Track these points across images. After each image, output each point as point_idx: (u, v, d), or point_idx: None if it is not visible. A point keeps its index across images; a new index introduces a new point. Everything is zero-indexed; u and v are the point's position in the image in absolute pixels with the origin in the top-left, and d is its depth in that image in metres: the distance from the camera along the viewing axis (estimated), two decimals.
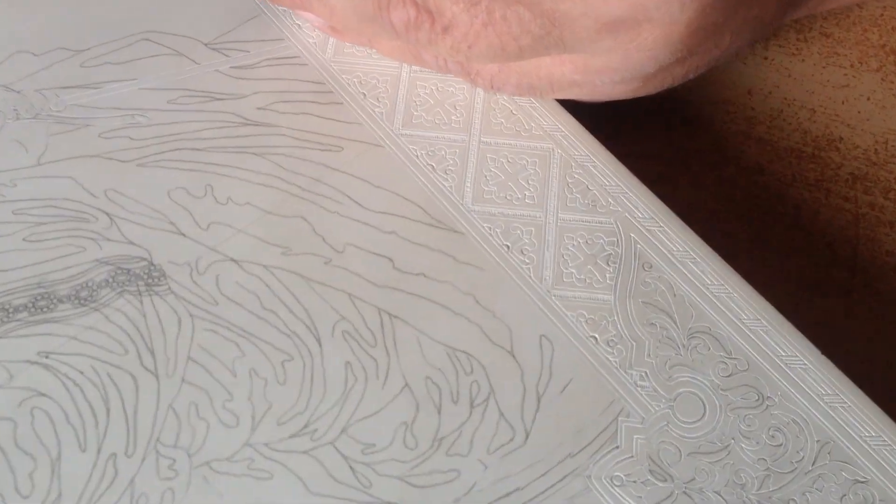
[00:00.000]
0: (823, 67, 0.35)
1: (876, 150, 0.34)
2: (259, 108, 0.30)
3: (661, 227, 0.28)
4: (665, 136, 0.34)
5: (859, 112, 0.35)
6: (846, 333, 0.31)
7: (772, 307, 0.27)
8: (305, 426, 0.25)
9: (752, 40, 0.29)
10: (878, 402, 0.26)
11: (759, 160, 0.34)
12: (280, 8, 0.32)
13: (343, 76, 0.31)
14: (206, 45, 0.31)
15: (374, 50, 0.31)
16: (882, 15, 0.37)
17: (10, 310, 0.27)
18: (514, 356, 0.26)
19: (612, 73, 0.27)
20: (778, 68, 0.35)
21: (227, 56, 0.31)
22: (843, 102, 0.35)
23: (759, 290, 0.29)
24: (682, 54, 0.27)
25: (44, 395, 0.26)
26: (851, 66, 0.35)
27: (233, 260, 0.28)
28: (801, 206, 0.33)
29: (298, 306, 0.27)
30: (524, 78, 0.28)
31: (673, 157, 0.34)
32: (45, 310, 0.27)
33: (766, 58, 0.36)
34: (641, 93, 0.29)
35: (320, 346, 0.27)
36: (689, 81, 0.34)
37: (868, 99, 0.35)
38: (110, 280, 0.27)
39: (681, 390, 0.26)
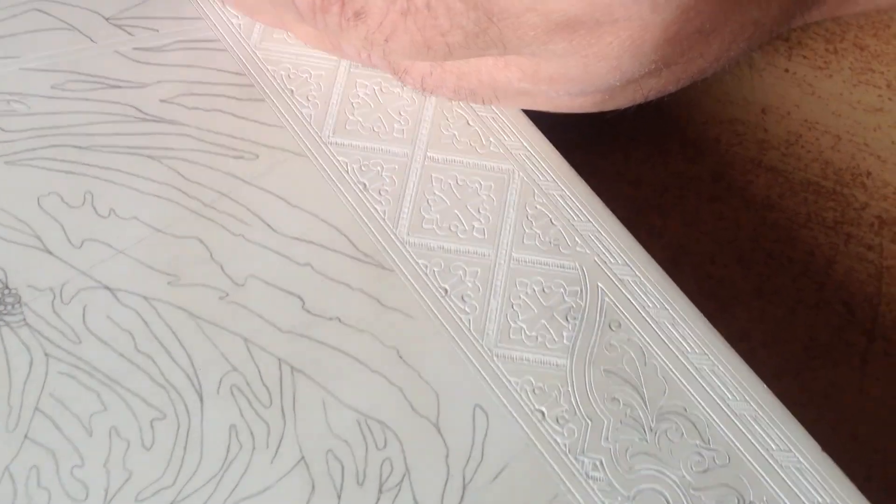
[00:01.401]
0: (854, 86, 0.30)
1: None
2: (162, 101, 0.25)
3: (636, 276, 0.23)
4: (658, 160, 0.29)
5: (893, 142, 0.29)
6: (857, 414, 0.25)
7: (765, 387, 0.22)
8: None
9: (748, 49, 0.23)
10: None
11: (768, 194, 0.28)
12: None
13: (269, 67, 0.26)
14: (107, 19, 0.26)
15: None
16: None
17: None
18: (439, 430, 0.21)
19: (567, 84, 0.22)
20: (800, 83, 0.30)
21: (130, 35, 0.26)
22: (874, 129, 0.29)
23: (757, 351, 0.23)
24: (654, 65, 0.21)
25: None
26: (888, 85, 0.30)
27: (107, 288, 0.22)
28: (815, 252, 0.27)
29: (181, 351, 0.22)
30: (463, 81, 0.23)
31: (665, 185, 0.28)
32: None
33: (786, 70, 0.30)
34: (609, 106, 0.24)
35: (201, 402, 0.21)
36: (689, 94, 0.29)
37: None
38: None
39: (643, 486, 0.21)
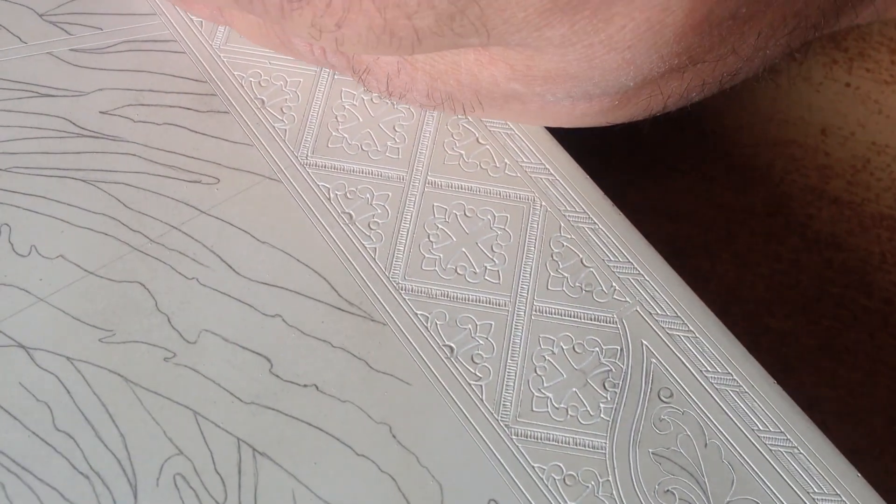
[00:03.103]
0: None
1: None
2: (103, 113, 0.20)
3: (690, 331, 0.18)
4: (702, 190, 0.24)
5: None
6: None
7: (858, 475, 0.17)
8: None
9: (787, 48, 0.19)
10: None
11: (834, 230, 0.24)
12: None
13: (235, 73, 0.21)
14: (40, 16, 0.21)
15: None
16: None
17: None
18: None
19: (567, 84, 0.17)
20: (864, 100, 0.25)
21: (68, 34, 0.21)
22: None
23: (829, 424, 0.19)
24: (677, 60, 0.17)
25: None
26: None
27: (21, 346, 0.18)
28: (894, 299, 0.23)
29: (111, 428, 0.17)
30: (438, 83, 0.18)
31: (712, 220, 0.24)
32: None
33: (847, 84, 0.26)
34: (619, 117, 0.19)
35: (135, 497, 0.17)
36: (734, 112, 0.25)
37: None
38: None
39: None
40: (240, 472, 0.17)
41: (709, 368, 0.18)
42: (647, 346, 0.18)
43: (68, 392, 0.17)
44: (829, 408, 0.21)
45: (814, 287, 0.23)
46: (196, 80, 0.21)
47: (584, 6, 0.15)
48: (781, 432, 0.17)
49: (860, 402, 0.22)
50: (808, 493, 0.17)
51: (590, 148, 0.21)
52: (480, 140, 0.20)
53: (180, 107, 0.21)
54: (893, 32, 0.26)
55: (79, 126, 0.20)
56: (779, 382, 0.18)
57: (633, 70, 0.17)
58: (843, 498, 0.17)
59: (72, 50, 0.21)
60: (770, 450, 0.17)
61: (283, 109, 0.21)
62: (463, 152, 0.20)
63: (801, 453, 0.17)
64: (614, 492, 0.17)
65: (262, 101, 0.21)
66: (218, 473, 0.17)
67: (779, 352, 0.22)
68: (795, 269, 0.23)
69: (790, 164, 0.25)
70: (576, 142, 0.21)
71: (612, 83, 0.17)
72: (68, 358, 0.18)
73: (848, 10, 0.21)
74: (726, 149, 0.25)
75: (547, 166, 0.20)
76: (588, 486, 0.17)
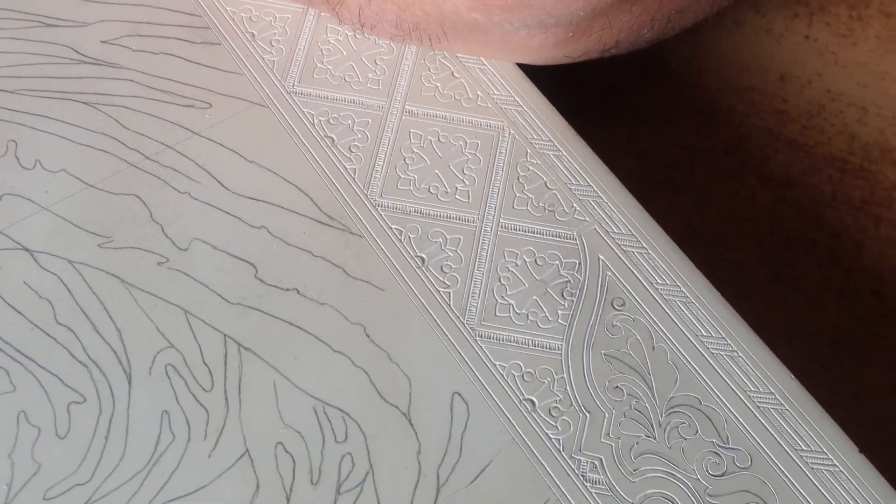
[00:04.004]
0: (881, 55, 0.27)
1: None
2: (104, 42, 0.22)
3: (643, 248, 0.20)
4: (667, 131, 0.26)
5: None
6: (892, 418, 0.22)
7: (792, 377, 0.19)
8: (86, 503, 0.17)
9: None
10: None
11: (789, 170, 0.25)
12: None
13: (228, 8, 0.23)
14: None
15: None
16: None
17: None
18: (410, 421, 0.18)
19: (523, 12, 0.19)
20: (822, 51, 0.27)
21: None
22: None
23: (778, 345, 0.20)
24: None
25: None
26: None
27: (26, 249, 0.19)
28: (842, 234, 0.24)
29: (108, 324, 0.19)
30: (406, 13, 0.20)
31: (674, 159, 0.25)
32: None
33: (807, 37, 0.27)
34: (574, 52, 0.21)
35: (129, 384, 0.18)
36: (699, 58, 0.26)
37: None
38: None
39: (649, 491, 0.18)
40: (225, 364, 0.19)
41: (658, 281, 0.20)
42: (603, 260, 0.20)
43: (69, 290, 0.19)
44: (777, 331, 0.23)
45: (768, 221, 0.25)
46: (190, 14, 0.23)
47: None
48: (723, 338, 0.19)
49: (806, 326, 0.23)
50: (744, 391, 0.19)
51: (563, 90, 0.23)
52: (455, 74, 0.22)
53: (176, 38, 0.22)
54: None
55: (81, 53, 0.22)
56: (733, 307, 0.20)
57: (579, 0, 0.18)
58: (777, 396, 0.18)
59: None
60: (712, 353, 0.19)
61: (272, 42, 0.22)
62: (439, 84, 0.22)
63: (739, 356, 0.19)
64: (568, 387, 0.19)
65: (253, 35, 0.22)
66: (206, 365, 0.18)
67: (733, 279, 0.24)
68: (752, 205, 0.25)
69: (750, 109, 0.26)
70: (550, 84, 0.23)
71: (564, 13, 0.19)
72: (69, 261, 0.19)
73: None
74: (691, 94, 0.26)
75: (517, 98, 0.22)
76: (544, 382, 0.19)
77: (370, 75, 0.22)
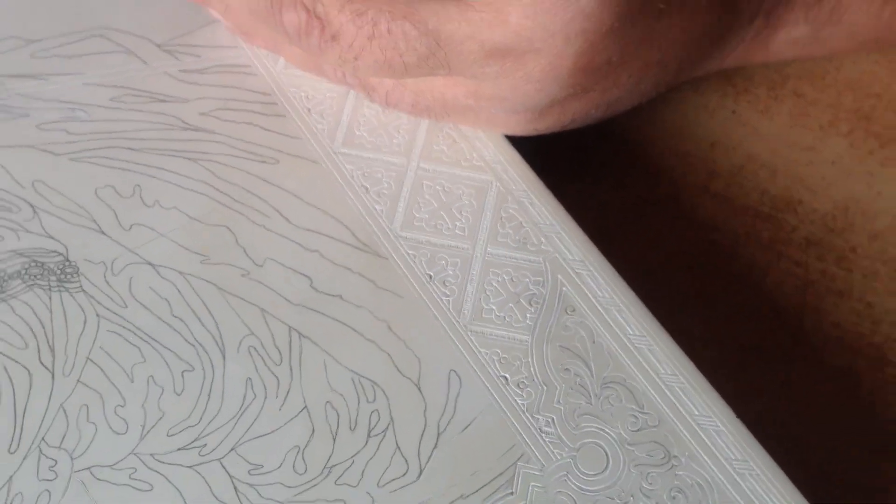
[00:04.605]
0: (791, 128, 0.35)
1: (834, 216, 0.33)
2: (201, 114, 0.30)
3: (590, 271, 0.27)
4: (621, 185, 0.33)
5: (823, 177, 0.34)
6: (780, 404, 0.30)
7: (691, 364, 0.26)
8: (195, 440, 0.25)
9: (657, 84, 0.28)
10: (791, 478, 0.25)
11: (714, 217, 0.33)
12: None
13: (291, 89, 0.31)
14: (158, 45, 0.31)
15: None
16: (860, 79, 0.36)
17: None
18: (419, 389, 0.26)
19: (503, 102, 0.27)
20: (745, 123, 0.35)
21: (177, 59, 0.31)
22: (807, 165, 0.34)
23: (698, 347, 0.28)
24: (573, 90, 0.26)
25: None
26: (821, 128, 0.35)
27: (149, 263, 0.27)
28: (752, 266, 0.32)
29: (208, 317, 0.26)
30: (419, 97, 0.28)
31: (625, 207, 0.33)
32: None
33: (733, 112, 0.35)
34: (541, 127, 0.28)
35: (224, 359, 0.26)
36: (648, 131, 0.34)
37: (833, 163, 0.34)
38: (22, 272, 0.27)
39: (586, 440, 0.25)
40: (290, 347, 0.26)
41: (600, 295, 0.27)
42: (560, 279, 0.27)
43: (180, 293, 0.27)
44: (697, 336, 0.31)
45: (696, 255, 0.32)
46: (264, 93, 0.31)
47: (509, 54, 0.24)
48: (643, 336, 0.27)
49: (719, 334, 0.31)
50: (657, 373, 0.26)
51: (540, 152, 0.31)
52: (457, 140, 0.30)
53: (253, 111, 0.30)
54: (771, 73, 0.36)
55: (185, 122, 0.30)
56: (665, 316, 0.27)
57: (543, 95, 0.26)
58: (680, 377, 0.26)
59: (180, 70, 0.31)
60: (636, 347, 0.26)
61: (323, 115, 0.30)
62: (444, 148, 0.30)
63: (655, 349, 0.26)
64: (532, 368, 0.26)
65: (309, 109, 0.30)
66: (276, 347, 0.26)
67: (667, 297, 0.31)
68: (682, 242, 0.32)
69: (686, 168, 0.34)
70: (529, 147, 0.30)
71: (530, 103, 0.26)
72: (180, 272, 0.27)
73: (707, 61, 0.30)
74: (641, 155, 0.34)
75: (502, 159, 0.29)
76: (515, 364, 0.26)
77: (394, 140, 0.30)
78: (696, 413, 0.25)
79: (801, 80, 0.36)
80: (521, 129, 0.29)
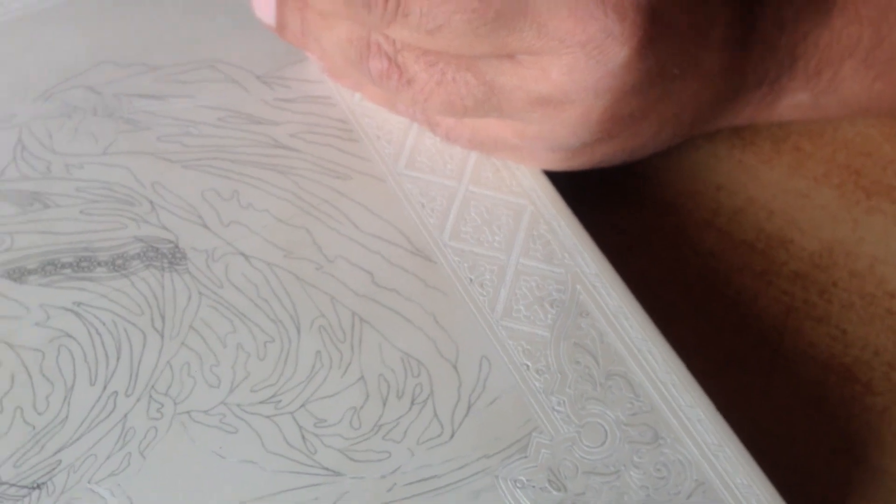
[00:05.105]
0: (789, 177, 0.40)
1: (821, 254, 0.38)
2: (290, 135, 0.36)
3: (603, 283, 0.33)
4: (637, 215, 0.39)
5: (813, 220, 0.39)
6: (758, 408, 0.35)
7: (682, 365, 0.32)
8: (273, 396, 0.31)
9: (674, 135, 0.34)
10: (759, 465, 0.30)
11: (714, 247, 0.38)
12: None
13: (364, 119, 0.37)
14: (257, 77, 0.37)
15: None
16: (853, 139, 0.41)
17: (59, 265, 0.33)
18: (456, 369, 0.31)
19: (543, 142, 0.32)
20: (748, 171, 0.40)
21: (272, 89, 0.37)
22: (800, 209, 0.39)
23: (688, 353, 0.33)
24: (600, 135, 0.32)
25: (70, 336, 0.31)
26: (815, 179, 0.40)
27: (243, 254, 0.33)
28: (743, 291, 0.37)
29: (288, 300, 0.32)
30: (475, 134, 0.34)
31: (639, 233, 0.39)
32: (85, 269, 0.33)
33: (740, 161, 0.41)
34: (574, 164, 0.34)
35: (299, 334, 0.32)
36: (665, 171, 0.40)
37: (823, 209, 0.39)
38: (141, 255, 0.33)
39: (589, 419, 0.31)
40: (353, 328, 0.32)
41: (611, 303, 0.33)
42: (579, 288, 0.33)
43: (266, 279, 0.33)
44: (687, 342, 0.36)
45: (694, 278, 0.38)
46: (342, 121, 0.37)
47: (549, 103, 0.30)
48: (644, 339, 0.32)
49: (710, 345, 0.36)
50: (653, 369, 0.32)
51: (570, 182, 0.37)
52: (500, 169, 0.36)
53: (332, 135, 0.36)
54: (775, 129, 0.41)
55: (276, 141, 0.36)
56: (662, 326, 0.33)
57: (575, 138, 0.32)
58: (673, 375, 0.31)
59: (274, 98, 0.37)
60: (638, 348, 0.32)
61: (391, 141, 0.36)
62: (490, 174, 0.36)
63: (652, 349, 0.32)
64: (550, 358, 0.32)
65: (378, 136, 0.36)
66: (341, 328, 0.32)
67: (665, 310, 0.36)
68: (685, 266, 0.38)
69: (693, 205, 0.39)
70: (563, 178, 0.36)
71: (565, 144, 0.32)
72: (267, 262, 0.33)
73: (718, 119, 0.36)
74: (655, 190, 0.40)
75: (537, 187, 0.35)
76: (536, 354, 0.32)
77: (448, 166, 0.36)
78: (683, 404, 0.31)
79: (802, 137, 0.41)
80: (556, 165, 0.34)
